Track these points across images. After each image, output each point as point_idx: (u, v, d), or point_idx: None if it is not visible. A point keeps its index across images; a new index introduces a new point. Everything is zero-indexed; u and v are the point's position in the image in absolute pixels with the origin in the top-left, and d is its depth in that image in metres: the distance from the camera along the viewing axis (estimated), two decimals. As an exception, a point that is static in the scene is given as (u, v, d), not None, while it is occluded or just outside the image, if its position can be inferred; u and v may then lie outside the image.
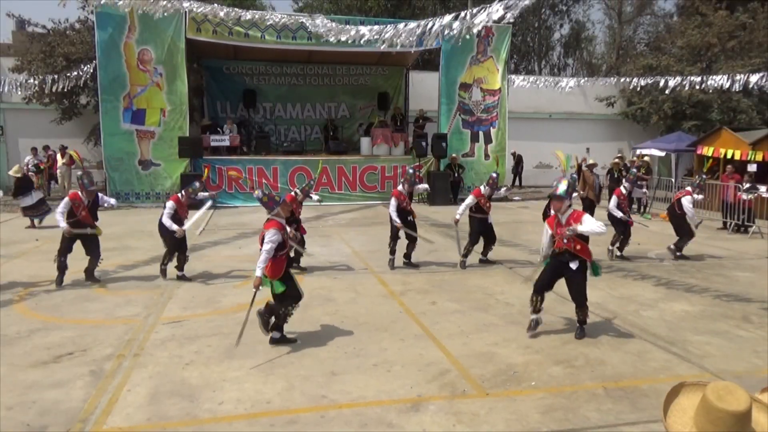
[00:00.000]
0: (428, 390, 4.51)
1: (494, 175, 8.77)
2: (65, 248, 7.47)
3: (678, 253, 9.44)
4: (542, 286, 5.75)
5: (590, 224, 5.38)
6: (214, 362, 5.03)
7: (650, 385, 4.63)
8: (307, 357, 5.15)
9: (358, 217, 14.25)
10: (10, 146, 19.46)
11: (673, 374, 4.88)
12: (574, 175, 5.89)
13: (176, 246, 7.77)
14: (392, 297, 7.14)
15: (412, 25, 11.26)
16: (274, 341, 5.40)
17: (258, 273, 5.12)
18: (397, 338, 5.65)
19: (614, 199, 9.20)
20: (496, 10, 7.82)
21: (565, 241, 5.46)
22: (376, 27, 12.64)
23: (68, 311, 6.50)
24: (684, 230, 9.45)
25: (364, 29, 12.82)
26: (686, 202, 9.30)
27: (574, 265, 5.52)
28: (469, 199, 8.46)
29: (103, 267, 8.48)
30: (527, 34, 33.47)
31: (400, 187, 8.64)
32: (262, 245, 5.20)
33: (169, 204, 7.71)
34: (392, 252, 8.59)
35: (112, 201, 8.17)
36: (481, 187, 8.61)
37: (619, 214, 9.11)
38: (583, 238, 5.53)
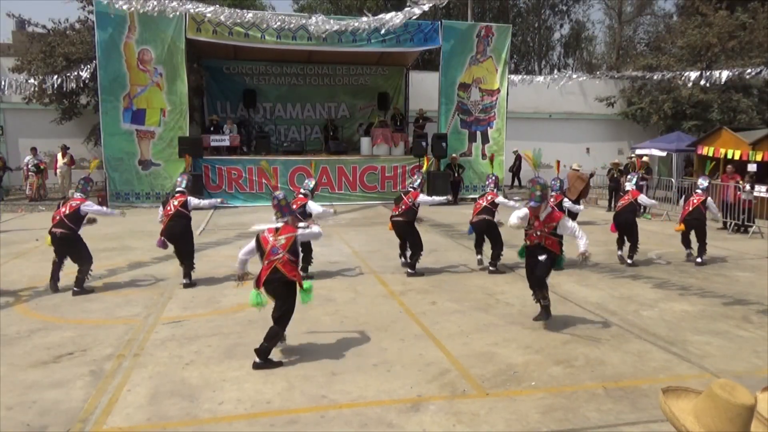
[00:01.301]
0: (428, 390, 4.50)
1: (493, 176, 8.94)
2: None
3: (699, 260, 9.25)
4: (533, 285, 6.11)
5: (568, 227, 5.88)
6: (214, 362, 5.03)
7: (650, 385, 4.63)
8: (307, 357, 5.15)
9: (358, 217, 14.25)
10: (10, 146, 19.45)
11: (673, 374, 4.88)
12: (540, 179, 5.98)
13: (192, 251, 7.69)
14: (392, 297, 7.13)
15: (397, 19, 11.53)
16: (258, 366, 4.86)
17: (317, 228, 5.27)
18: (397, 338, 5.65)
19: (643, 196, 9.24)
20: None
21: (537, 233, 5.88)
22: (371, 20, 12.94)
23: (68, 311, 6.50)
24: (703, 234, 9.31)
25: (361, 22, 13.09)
26: (712, 202, 9.39)
27: (542, 258, 5.91)
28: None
29: (103, 267, 8.49)
30: (527, 34, 33.47)
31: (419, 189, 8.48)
32: (287, 249, 4.89)
33: (192, 200, 7.64)
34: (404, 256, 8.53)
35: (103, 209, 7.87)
36: (498, 193, 8.65)
37: (646, 200, 9.42)
38: (555, 235, 5.92)
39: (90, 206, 7.33)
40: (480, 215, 8.42)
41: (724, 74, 16.42)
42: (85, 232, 7.52)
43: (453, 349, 5.38)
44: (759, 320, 6.37)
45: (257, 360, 4.87)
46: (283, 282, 4.89)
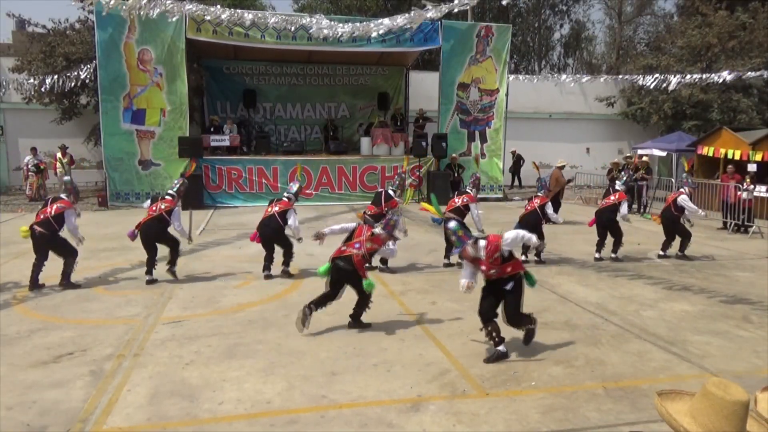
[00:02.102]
0: (428, 390, 4.50)
1: (476, 177, 9.19)
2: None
3: (680, 253, 9.44)
4: (488, 314, 5.27)
5: (512, 241, 5.16)
6: (214, 362, 5.03)
7: (650, 385, 4.63)
8: (307, 357, 5.15)
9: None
10: (10, 146, 19.46)
11: (673, 374, 4.88)
12: (448, 224, 5.35)
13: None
14: (392, 297, 7.13)
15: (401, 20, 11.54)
16: (351, 326, 5.89)
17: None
18: (397, 338, 5.65)
19: (625, 205, 9.19)
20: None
21: (492, 273, 5.12)
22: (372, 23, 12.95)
23: (68, 311, 6.50)
24: (681, 231, 9.46)
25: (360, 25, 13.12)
26: (682, 199, 9.29)
27: (509, 286, 5.16)
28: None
29: (103, 267, 8.49)
30: (527, 34, 33.47)
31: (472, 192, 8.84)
32: (368, 251, 5.83)
33: (176, 215, 7.76)
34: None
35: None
36: (471, 191, 8.81)
37: (625, 211, 9.20)
38: (510, 257, 5.17)
39: (70, 216, 7.36)
40: (450, 213, 8.33)
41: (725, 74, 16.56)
42: (85, 232, 7.53)
43: (453, 349, 5.38)
44: (759, 320, 6.37)
45: (352, 323, 5.90)
46: (349, 271, 5.72)
